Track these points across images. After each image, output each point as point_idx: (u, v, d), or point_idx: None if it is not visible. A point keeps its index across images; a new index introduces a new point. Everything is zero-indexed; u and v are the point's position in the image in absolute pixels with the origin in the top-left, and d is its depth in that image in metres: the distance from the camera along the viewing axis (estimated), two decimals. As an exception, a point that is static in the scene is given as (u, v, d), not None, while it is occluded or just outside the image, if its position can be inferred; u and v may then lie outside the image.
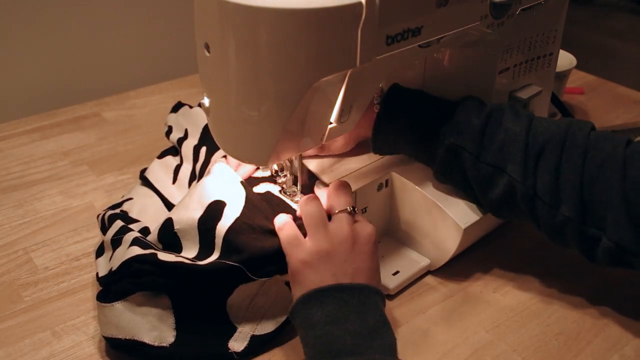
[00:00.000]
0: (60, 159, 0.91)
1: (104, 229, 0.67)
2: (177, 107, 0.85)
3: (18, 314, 0.65)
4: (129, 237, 0.61)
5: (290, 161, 0.65)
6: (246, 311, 0.60)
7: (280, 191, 0.65)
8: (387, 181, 0.70)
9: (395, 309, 0.66)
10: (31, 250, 0.74)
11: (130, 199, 0.74)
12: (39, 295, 0.67)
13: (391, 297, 0.67)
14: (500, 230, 0.74)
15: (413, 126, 0.65)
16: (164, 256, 0.57)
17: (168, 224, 0.61)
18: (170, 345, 0.57)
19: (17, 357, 0.60)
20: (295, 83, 0.50)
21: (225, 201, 0.60)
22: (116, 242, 0.62)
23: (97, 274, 0.64)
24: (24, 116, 1.01)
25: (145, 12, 1.23)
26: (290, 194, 0.65)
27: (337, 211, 0.59)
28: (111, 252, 0.62)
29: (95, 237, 0.76)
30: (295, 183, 0.65)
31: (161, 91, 1.10)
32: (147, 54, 1.25)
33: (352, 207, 0.59)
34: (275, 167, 0.67)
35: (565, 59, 0.97)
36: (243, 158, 0.59)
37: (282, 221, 0.59)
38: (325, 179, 0.69)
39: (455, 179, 0.65)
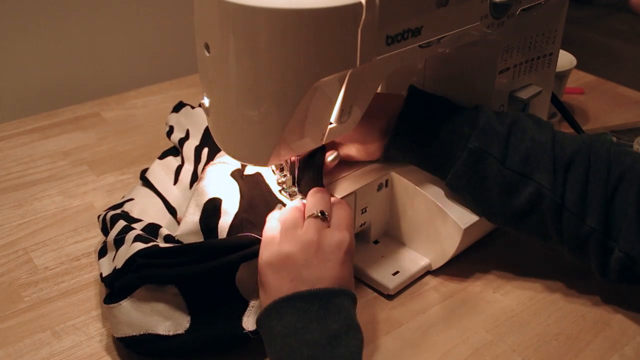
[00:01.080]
0: (60, 159, 0.91)
1: (105, 229, 0.67)
2: (178, 107, 0.85)
3: (18, 314, 0.65)
4: (131, 235, 0.61)
5: (290, 161, 0.65)
6: (256, 284, 0.59)
7: (280, 191, 0.65)
8: (387, 181, 0.70)
9: (395, 309, 0.66)
10: (31, 250, 0.74)
11: (131, 199, 0.74)
12: (39, 295, 0.67)
13: (391, 297, 0.67)
14: (501, 230, 0.74)
15: (434, 128, 0.63)
16: (166, 246, 0.58)
17: (169, 236, 0.62)
18: (186, 331, 0.57)
19: (17, 357, 0.60)
20: (295, 83, 0.50)
21: (220, 197, 0.60)
22: (119, 241, 0.62)
23: (100, 274, 0.64)
24: (24, 116, 1.01)
25: (145, 12, 1.23)
26: (290, 194, 0.65)
27: (307, 216, 0.57)
28: (114, 252, 0.62)
29: (95, 237, 0.76)
30: (294, 183, 0.65)
31: (161, 91, 1.10)
32: (147, 54, 1.25)
33: (321, 211, 0.57)
34: (274, 167, 0.67)
35: (565, 59, 0.97)
36: (243, 158, 0.59)
37: (269, 218, 0.59)
38: (324, 179, 0.69)
39: (472, 186, 0.63)
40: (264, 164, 0.58)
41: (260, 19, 0.47)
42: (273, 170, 0.67)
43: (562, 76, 0.96)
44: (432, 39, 0.56)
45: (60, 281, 0.69)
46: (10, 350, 0.61)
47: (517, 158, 0.61)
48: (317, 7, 0.46)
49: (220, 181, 0.63)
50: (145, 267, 0.57)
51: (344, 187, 0.67)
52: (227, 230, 0.58)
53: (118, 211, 0.70)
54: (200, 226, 0.60)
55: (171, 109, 0.85)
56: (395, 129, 0.64)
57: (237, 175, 0.64)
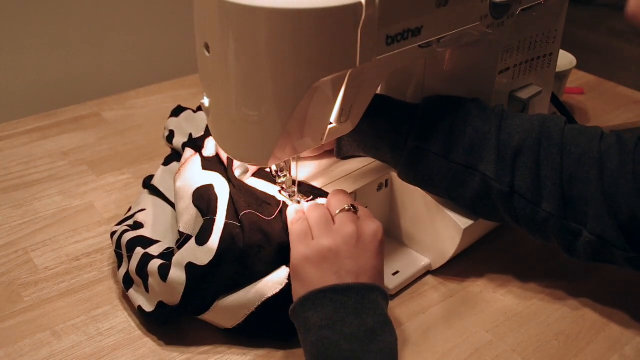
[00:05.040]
0: (60, 159, 0.91)
1: (119, 249, 0.66)
2: (177, 111, 0.83)
3: (18, 314, 0.65)
4: (153, 266, 0.60)
5: (289, 161, 0.65)
6: None
7: (279, 191, 0.65)
8: (387, 181, 0.70)
9: (395, 309, 0.66)
10: (31, 250, 0.74)
11: (143, 210, 0.72)
12: (39, 295, 0.67)
13: (391, 297, 0.67)
14: (500, 230, 0.74)
15: (376, 128, 0.65)
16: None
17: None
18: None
19: (17, 357, 0.60)
20: (295, 83, 0.50)
21: (212, 183, 0.62)
22: (143, 275, 0.61)
23: (139, 307, 0.62)
24: (24, 116, 1.01)
25: (145, 12, 1.23)
26: (290, 194, 0.65)
27: (337, 212, 0.58)
28: (142, 285, 0.61)
29: (95, 236, 0.76)
30: (294, 183, 0.65)
31: (161, 91, 1.10)
32: (147, 54, 1.25)
33: (352, 205, 0.58)
34: (274, 167, 0.67)
35: (565, 59, 0.97)
36: (243, 158, 0.59)
37: (294, 214, 0.59)
38: (324, 180, 0.69)
39: (421, 183, 0.65)
40: (264, 164, 0.58)
41: (260, 19, 0.47)
42: (273, 171, 0.67)
43: (562, 76, 0.96)
44: (432, 39, 0.56)
45: (60, 281, 0.69)
46: (10, 350, 0.61)
47: (460, 150, 0.61)
48: (317, 7, 0.46)
49: (201, 173, 0.65)
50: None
51: (344, 187, 0.67)
52: (225, 206, 0.60)
53: (133, 231, 0.67)
54: (193, 199, 0.62)
55: (171, 109, 0.85)
56: None
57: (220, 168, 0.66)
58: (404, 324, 0.64)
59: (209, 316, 0.60)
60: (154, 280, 0.60)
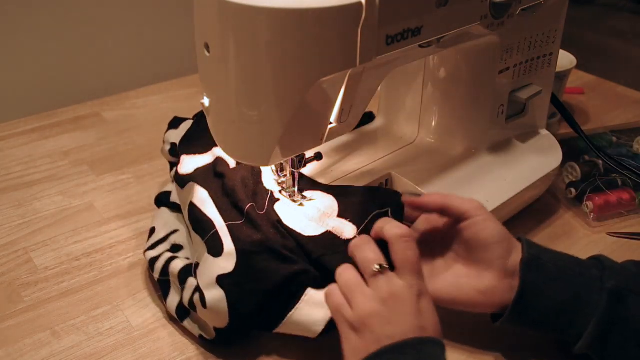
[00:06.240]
0: (60, 159, 0.91)
1: (165, 276, 0.63)
2: (176, 123, 0.77)
3: (18, 314, 0.65)
4: (197, 298, 0.58)
5: (289, 161, 0.65)
6: None
7: (280, 191, 0.65)
8: (387, 181, 0.70)
9: (395, 309, 0.66)
10: (31, 250, 0.74)
11: (177, 230, 0.69)
12: (39, 295, 0.67)
13: (391, 297, 0.67)
14: (500, 230, 0.74)
15: (556, 289, 0.56)
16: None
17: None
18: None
19: (17, 357, 0.60)
20: (295, 83, 0.50)
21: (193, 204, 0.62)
22: (193, 307, 0.59)
23: (200, 336, 0.60)
24: (24, 116, 1.01)
25: (145, 12, 1.23)
26: (290, 194, 0.65)
27: (367, 276, 0.54)
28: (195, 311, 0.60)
29: (95, 236, 0.76)
30: (294, 182, 0.65)
31: (161, 91, 1.10)
32: (147, 54, 1.25)
33: (379, 265, 0.53)
34: (274, 167, 0.67)
35: (565, 59, 0.97)
36: (243, 158, 0.59)
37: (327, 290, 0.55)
38: (324, 180, 0.69)
39: (617, 335, 0.54)
40: (264, 164, 0.58)
41: (260, 19, 0.47)
42: (273, 171, 0.67)
43: (562, 76, 0.96)
44: (432, 39, 0.56)
45: (60, 281, 0.69)
46: (10, 350, 0.61)
47: None
48: (317, 7, 0.46)
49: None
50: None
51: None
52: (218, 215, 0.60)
53: (181, 259, 0.64)
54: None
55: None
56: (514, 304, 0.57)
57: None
58: (404, 324, 0.64)
59: (284, 329, 0.57)
60: (199, 310, 0.58)
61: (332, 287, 0.55)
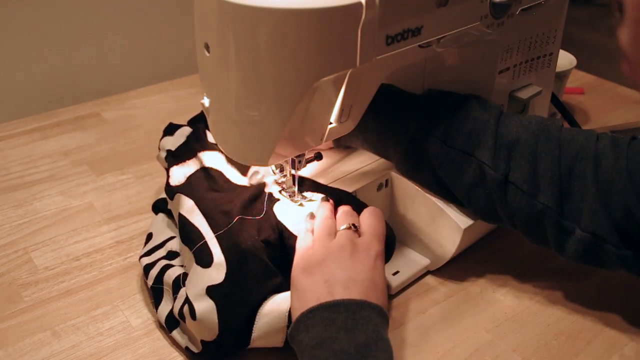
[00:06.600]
0: (60, 159, 0.91)
1: (159, 284, 0.63)
2: (171, 130, 0.74)
3: (18, 314, 0.65)
4: (188, 309, 0.57)
5: (289, 161, 0.65)
6: None
7: (280, 191, 0.65)
8: (387, 181, 0.70)
9: (395, 309, 0.66)
10: (31, 250, 0.74)
11: (174, 237, 0.68)
12: (39, 295, 0.67)
13: (391, 297, 0.67)
14: (501, 230, 0.74)
15: (377, 117, 0.66)
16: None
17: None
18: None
19: (17, 357, 0.60)
20: (295, 83, 0.50)
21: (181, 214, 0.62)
22: (183, 317, 0.59)
23: (186, 348, 0.59)
24: (24, 116, 1.01)
25: (145, 12, 1.23)
26: (290, 194, 0.65)
27: (340, 228, 0.58)
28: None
29: (95, 236, 0.76)
30: (294, 183, 0.65)
31: (161, 91, 1.10)
32: (147, 54, 1.25)
33: (352, 224, 0.59)
34: (274, 167, 0.67)
35: (565, 59, 0.97)
36: (243, 158, 0.59)
37: (305, 233, 0.60)
38: (324, 180, 0.69)
39: (419, 164, 0.65)
40: (264, 164, 0.58)
41: (260, 19, 0.47)
42: (273, 171, 0.67)
43: (562, 76, 0.96)
44: (432, 39, 0.56)
45: (60, 281, 0.69)
46: (10, 350, 0.61)
47: (459, 136, 0.62)
48: (317, 7, 0.46)
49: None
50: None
51: (344, 187, 0.67)
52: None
53: (177, 267, 0.64)
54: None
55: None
56: None
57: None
58: (404, 324, 0.64)
59: (259, 341, 0.57)
60: (188, 322, 0.57)
61: (306, 236, 0.59)
